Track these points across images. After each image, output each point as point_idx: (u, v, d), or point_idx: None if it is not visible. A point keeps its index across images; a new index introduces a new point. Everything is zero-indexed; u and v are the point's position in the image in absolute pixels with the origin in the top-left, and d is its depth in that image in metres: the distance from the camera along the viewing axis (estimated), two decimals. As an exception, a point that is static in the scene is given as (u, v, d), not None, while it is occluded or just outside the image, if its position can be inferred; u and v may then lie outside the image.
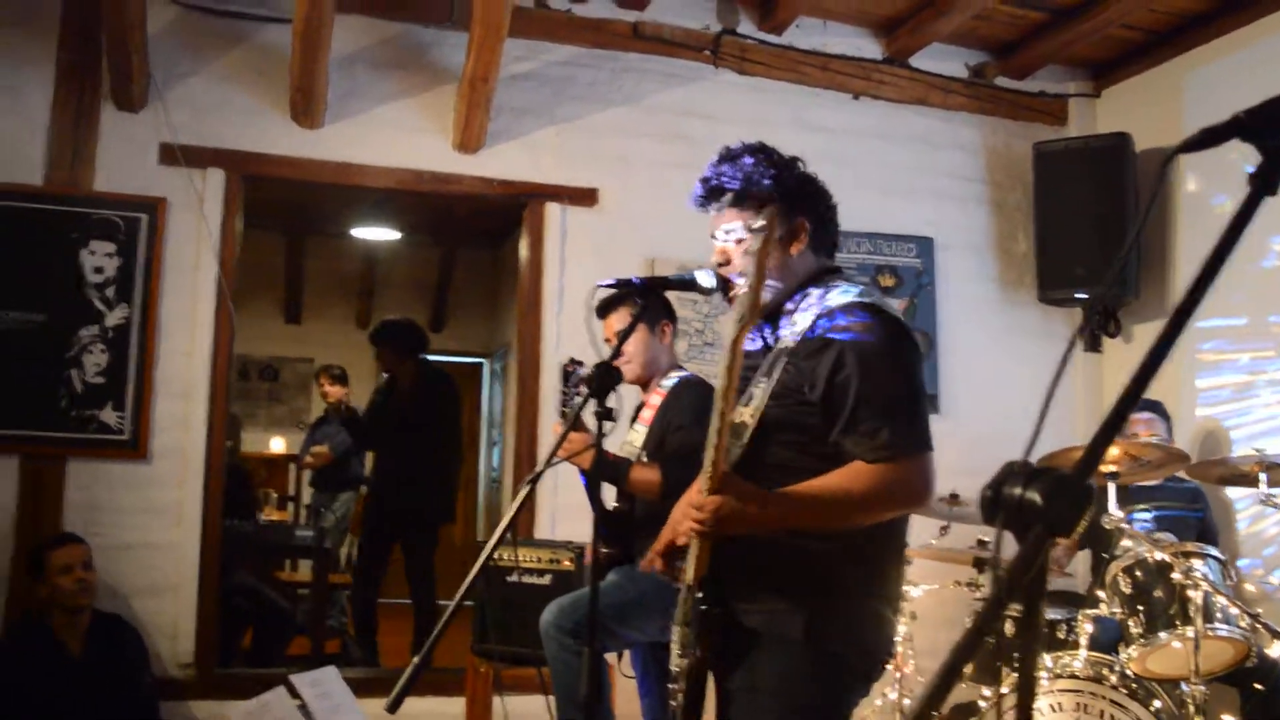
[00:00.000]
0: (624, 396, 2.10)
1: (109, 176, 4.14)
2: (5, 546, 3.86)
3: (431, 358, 9.09)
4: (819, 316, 1.94)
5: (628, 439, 3.30)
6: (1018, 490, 0.84)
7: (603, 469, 2.97)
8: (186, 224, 4.17)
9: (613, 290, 2.91)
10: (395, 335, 5.52)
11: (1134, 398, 0.88)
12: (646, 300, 2.79)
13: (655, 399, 3.25)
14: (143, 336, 4.00)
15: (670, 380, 3.26)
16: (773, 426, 1.93)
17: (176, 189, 4.17)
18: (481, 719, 3.56)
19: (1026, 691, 0.88)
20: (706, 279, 2.08)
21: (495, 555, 3.51)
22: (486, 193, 4.55)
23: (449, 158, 4.48)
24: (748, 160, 2.09)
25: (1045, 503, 0.82)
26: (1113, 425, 0.87)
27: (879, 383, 1.87)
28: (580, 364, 2.99)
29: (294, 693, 2.35)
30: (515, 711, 3.74)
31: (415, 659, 1.84)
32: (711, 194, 2.11)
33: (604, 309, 3.27)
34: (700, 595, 1.93)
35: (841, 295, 1.97)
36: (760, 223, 1.73)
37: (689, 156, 4.52)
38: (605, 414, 2.05)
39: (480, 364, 9.33)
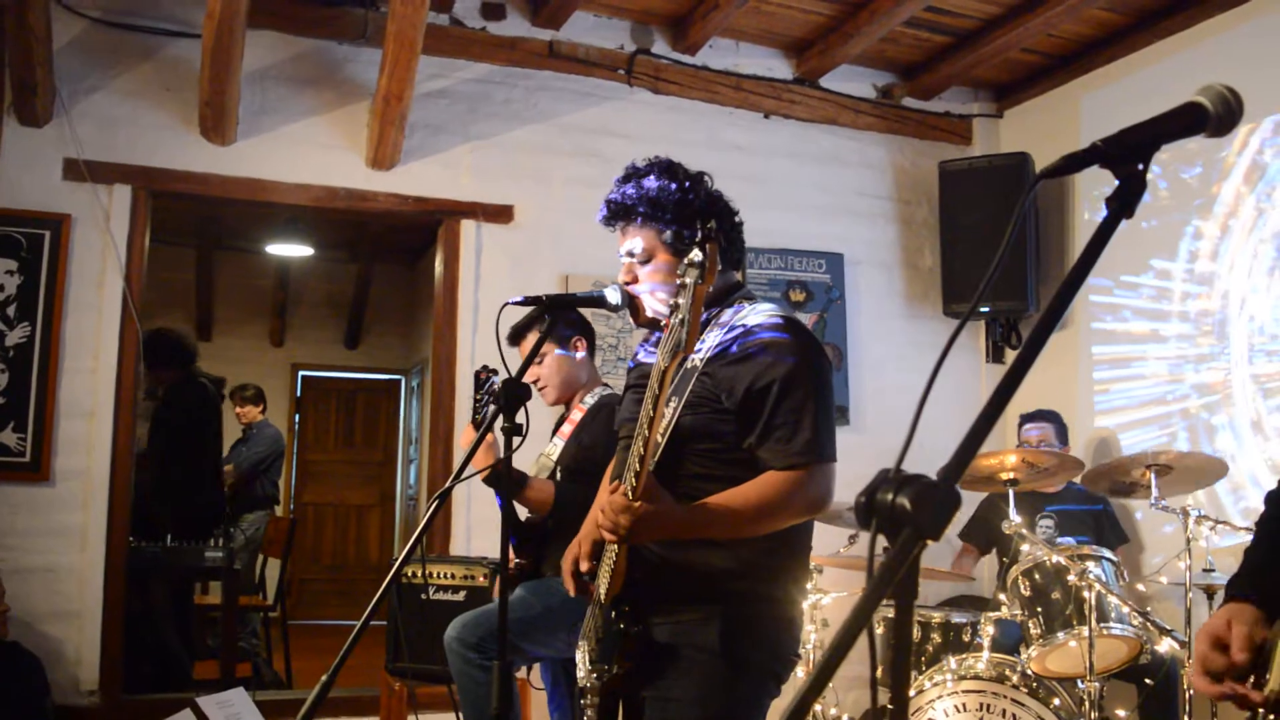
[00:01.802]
0: (534, 411, 2.13)
1: (11, 192, 4.04)
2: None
3: (346, 375, 9.05)
4: (739, 335, 2.00)
5: (546, 451, 3.32)
6: (889, 496, 0.88)
7: (501, 480, 2.98)
8: (92, 241, 4.09)
9: (524, 310, 2.93)
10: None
11: (996, 409, 0.93)
12: (555, 318, 2.80)
13: (576, 414, 3.27)
14: (45, 355, 3.92)
15: (592, 398, 3.28)
16: (687, 435, 1.98)
17: (82, 205, 4.10)
18: (395, 739, 3.54)
19: (899, 686, 0.93)
20: (614, 295, 2.12)
21: (410, 573, 3.53)
22: (401, 210, 4.54)
23: (363, 174, 4.47)
24: (652, 180, 2.13)
25: (914, 507, 0.87)
26: (976, 434, 0.92)
27: (795, 395, 1.95)
28: (494, 371, 3.01)
29: (200, 715, 2.32)
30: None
31: (323, 678, 1.84)
32: (616, 214, 2.15)
33: (514, 336, 3.28)
34: (614, 611, 1.96)
35: (757, 315, 2.03)
36: (698, 256, 1.77)
37: (604, 174, 4.51)
38: (514, 429, 2.07)
39: (397, 380, 9.26)
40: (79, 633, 3.90)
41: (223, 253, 8.34)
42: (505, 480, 2.43)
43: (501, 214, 4.62)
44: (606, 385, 3.37)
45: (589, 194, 4.53)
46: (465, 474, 2.15)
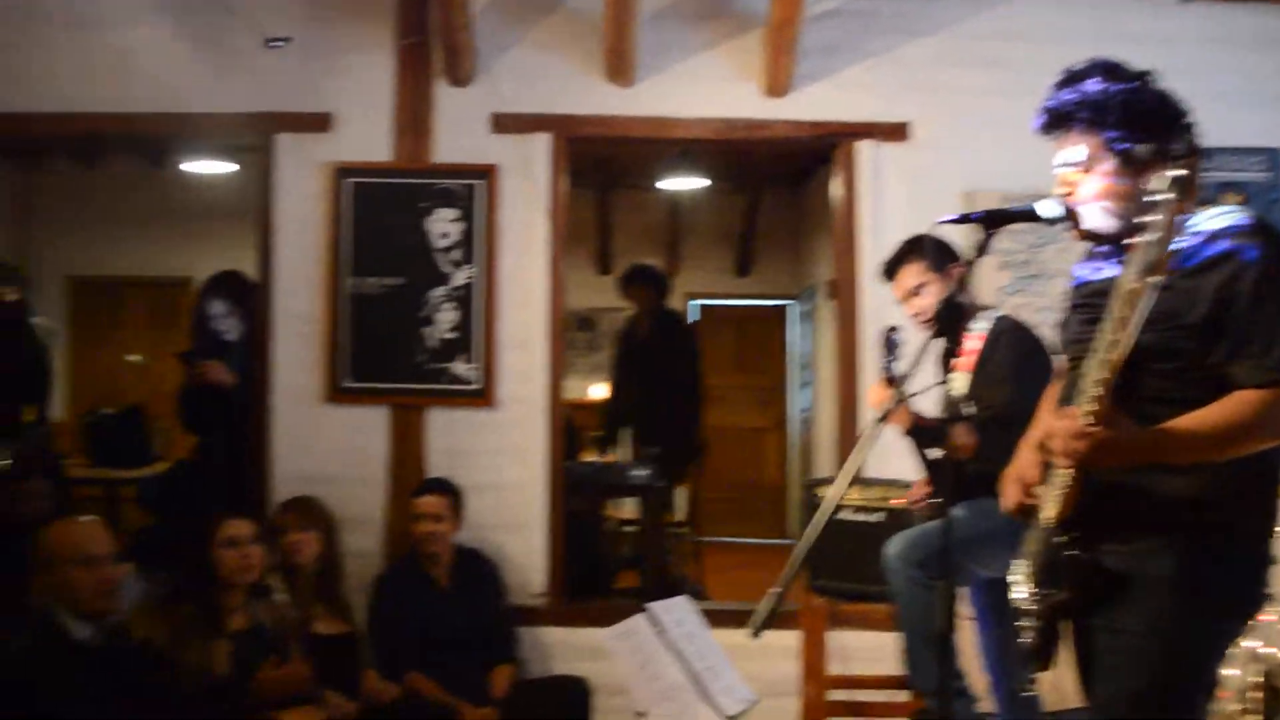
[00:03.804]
0: (923, 345, 2.10)
1: (446, 148, 4.48)
2: (382, 488, 4.34)
3: (737, 302, 9.31)
4: (1199, 242, 1.85)
5: (946, 386, 3.24)
6: None
7: (922, 434, 2.98)
8: (517, 187, 4.45)
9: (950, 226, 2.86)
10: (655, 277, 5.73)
11: None
12: (930, 248, 2.73)
13: (970, 343, 3.16)
14: (485, 295, 4.35)
15: (981, 323, 3.15)
16: (1145, 355, 1.85)
17: (506, 155, 4.46)
18: (816, 652, 3.65)
19: None
20: (1052, 208, 2.02)
21: (823, 495, 3.62)
22: (796, 136, 4.57)
23: (758, 103, 4.53)
24: (1093, 82, 2.00)
25: None
26: None
27: (1269, 304, 1.78)
28: (898, 330, 3.02)
29: (654, 620, 2.52)
30: (848, 646, 3.83)
31: (775, 589, 1.94)
32: (1054, 121, 2.04)
33: (889, 270, 3.22)
34: (1062, 534, 1.91)
35: (1218, 219, 1.87)
36: (1178, 173, 1.66)
37: (1004, 83, 4.36)
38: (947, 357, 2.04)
39: (786, 306, 9.38)
40: (525, 541, 4.34)
41: (618, 191, 8.78)
42: (916, 429, 2.39)
43: (897, 132, 4.52)
44: (990, 307, 3.23)
45: (989, 105, 4.36)
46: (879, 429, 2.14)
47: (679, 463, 5.69)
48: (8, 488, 4.04)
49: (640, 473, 4.81)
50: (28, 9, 4.36)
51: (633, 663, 2.50)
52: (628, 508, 6.19)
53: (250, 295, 4.48)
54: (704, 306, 9.35)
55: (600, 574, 5.25)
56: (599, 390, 8.54)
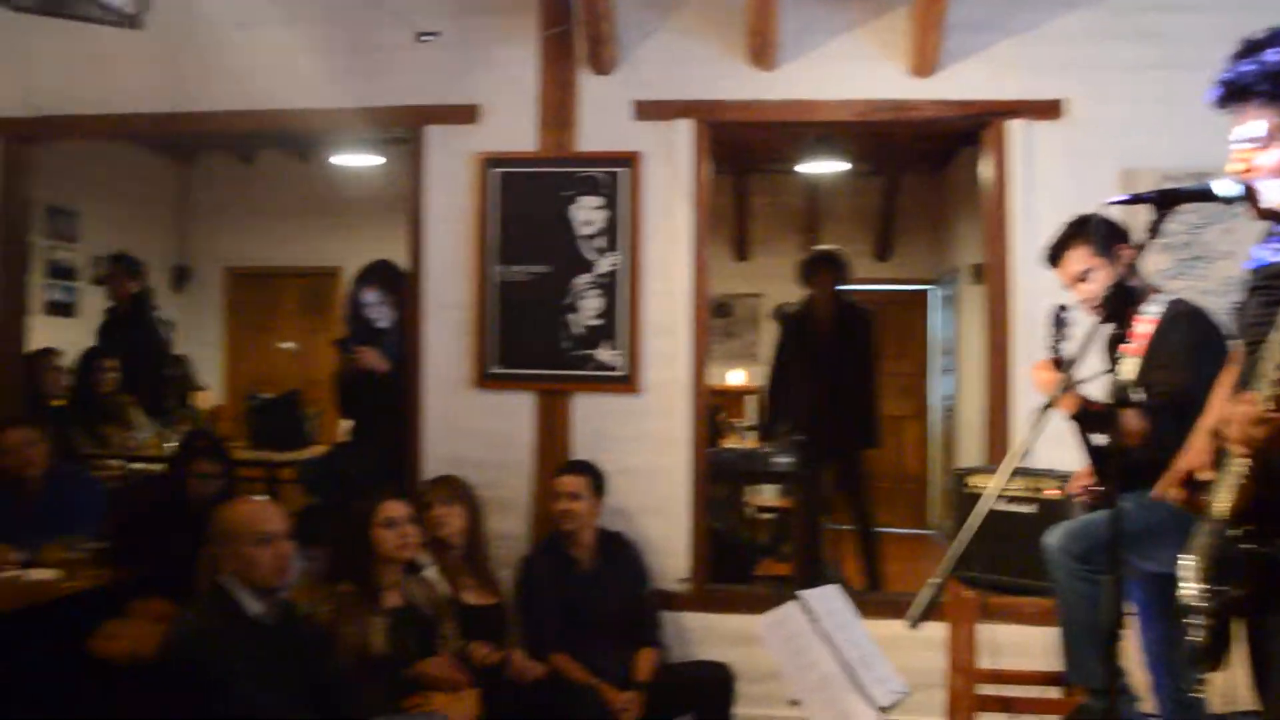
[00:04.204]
0: (1089, 331, 2.02)
1: (590, 136, 4.52)
2: (529, 470, 4.43)
3: (878, 287, 9.18)
4: None
5: (1116, 370, 3.12)
6: None
7: (1089, 419, 2.88)
8: (659, 174, 4.46)
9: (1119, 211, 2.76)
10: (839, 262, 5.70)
11: None
12: (1098, 230, 2.61)
13: (1141, 327, 3.04)
14: (630, 281, 4.38)
15: (1154, 307, 3.01)
16: None
17: (649, 142, 4.48)
18: (964, 645, 3.57)
19: None
20: (1229, 186, 1.93)
21: (973, 484, 3.54)
22: (945, 116, 4.46)
23: (904, 83, 4.43)
24: (1272, 52, 1.90)
25: None
26: None
27: None
28: (1068, 308, 2.92)
29: (806, 608, 2.51)
30: (997, 639, 3.74)
31: (933, 579, 1.91)
32: (1232, 94, 1.94)
33: (1054, 255, 3.10)
34: (1237, 527, 1.83)
35: None
36: None
37: (1163, 56, 4.19)
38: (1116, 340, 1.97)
39: (926, 291, 9.20)
40: (668, 526, 4.37)
41: (755, 176, 8.74)
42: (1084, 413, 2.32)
43: (1050, 110, 4.36)
44: (1160, 290, 3.09)
45: (1147, 80, 4.19)
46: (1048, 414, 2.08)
47: (851, 456, 5.63)
48: (178, 468, 4.26)
49: (784, 459, 4.78)
50: (186, 12, 4.56)
51: (786, 651, 2.49)
52: (768, 494, 6.19)
53: (401, 284, 4.62)
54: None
55: (741, 561, 5.26)
56: (736, 376, 8.55)
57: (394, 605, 3.41)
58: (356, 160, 8.07)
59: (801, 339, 5.76)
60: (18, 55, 4.94)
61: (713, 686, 3.90)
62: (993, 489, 2.00)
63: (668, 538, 4.38)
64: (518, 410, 4.46)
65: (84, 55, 4.80)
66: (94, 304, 8.34)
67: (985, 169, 4.50)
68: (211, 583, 2.94)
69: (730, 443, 6.13)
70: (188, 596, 3.73)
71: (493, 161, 4.49)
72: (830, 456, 5.53)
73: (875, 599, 4.35)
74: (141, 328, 6.20)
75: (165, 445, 6.03)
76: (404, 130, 4.65)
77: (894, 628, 3.42)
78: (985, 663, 3.63)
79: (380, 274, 4.67)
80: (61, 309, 8.05)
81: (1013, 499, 3.33)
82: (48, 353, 6.24)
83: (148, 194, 9.27)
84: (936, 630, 3.70)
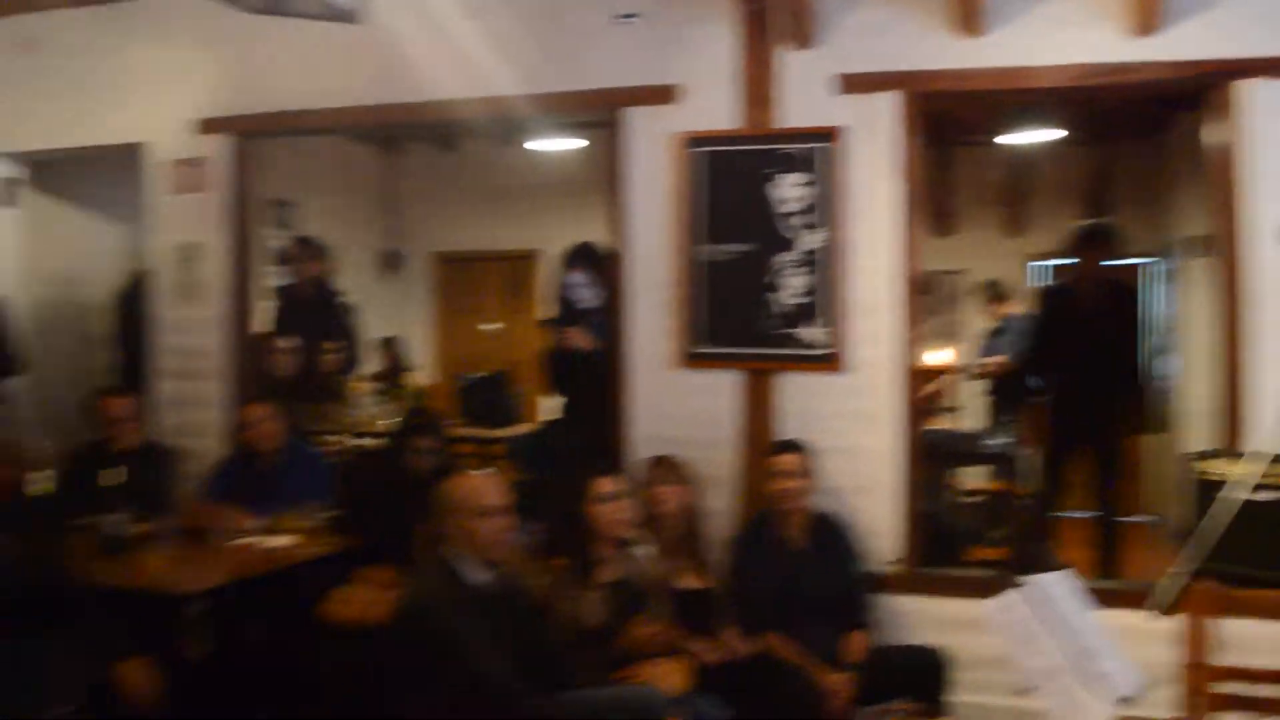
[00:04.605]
0: None
1: (791, 112, 4.46)
2: (734, 450, 4.43)
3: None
4: None
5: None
6: None
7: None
8: (863, 148, 4.37)
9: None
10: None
11: None
12: None
13: None
14: (835, 259, 4.31)
15: None
16: None
17: (851, 116, 4.39)
18: (1201, 639, 3.36)
19: None
20: None
21: (1206, 470, 3.32)
22: (1168, 77, 4.18)
23: (1123, 45, 4.18)
24: None
25: None
26: None
27: None
28: None
29: (1035, 594, 2.42)
30: (1241, 635, 3.51)
31: (1177, 569, 1.80)
32: None
33: None
34: None
35: None
36: None
37: None
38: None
39: (1142, 265, 8.70)
40: (877, 507, 4.29)
41: (957, 149, 8.45)
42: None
43: (1283, 68, 4.05)
44: None
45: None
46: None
47: (1112, 440, 5.33)
48: (398, 444, 4.47)
49: (997, 441, 4.62)
50: (392, 5, 4.73)
51: (1013, 637, 2.41)
52: (977, 477, 5.99)
53: (606, 264, 4.69)
54: (1053, 268, 8.84)
55: (949, 545, 5.11)
56: (938, 355, 8.31)
57: (608, 580, 3.47)
58: (555, 144, 8.25)
59: (1064, 317, 5.42)
60: (241, 56, 5.27)
61: (926, 671, 3.81)
62: (1245, 475, 1.86)
63: (876, 519, 4.30)
64: (722, 389, 4.47)
65: (299, 52, 5.07)
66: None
67: (1211, 133, 4.22)
68: (436, 553, 3.06)
69: (937, 424, 5.96)
70: (409, 565, 3.92)
71: (693, 141, 4.49)
72: (1088, 439, 5.28)
73: (1105, 588, 4.15)
74: (323, 310, 6.47)
75: (383, 423, 6.34)
76: (604, 113, 4.71)
77: (1125, 617, 3.28)
78: (1227, 659, 3.41)
79: (585, 255, 4.76)
80: (284, 294, 8.53)
81: (1260, 486, 3.10)
82: (274, 335, 6.63)
83: (358, 184, 9.73)
84: (1168, 622, 3.51)
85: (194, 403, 5.39)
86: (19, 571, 3.06)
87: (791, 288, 4.36)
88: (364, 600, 3.83)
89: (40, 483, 4.36)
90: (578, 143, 8.07)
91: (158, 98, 5.45)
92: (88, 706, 2.99)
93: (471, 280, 10.09)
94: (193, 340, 5.42)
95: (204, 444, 5.23)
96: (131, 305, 5.83)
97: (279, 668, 4.09)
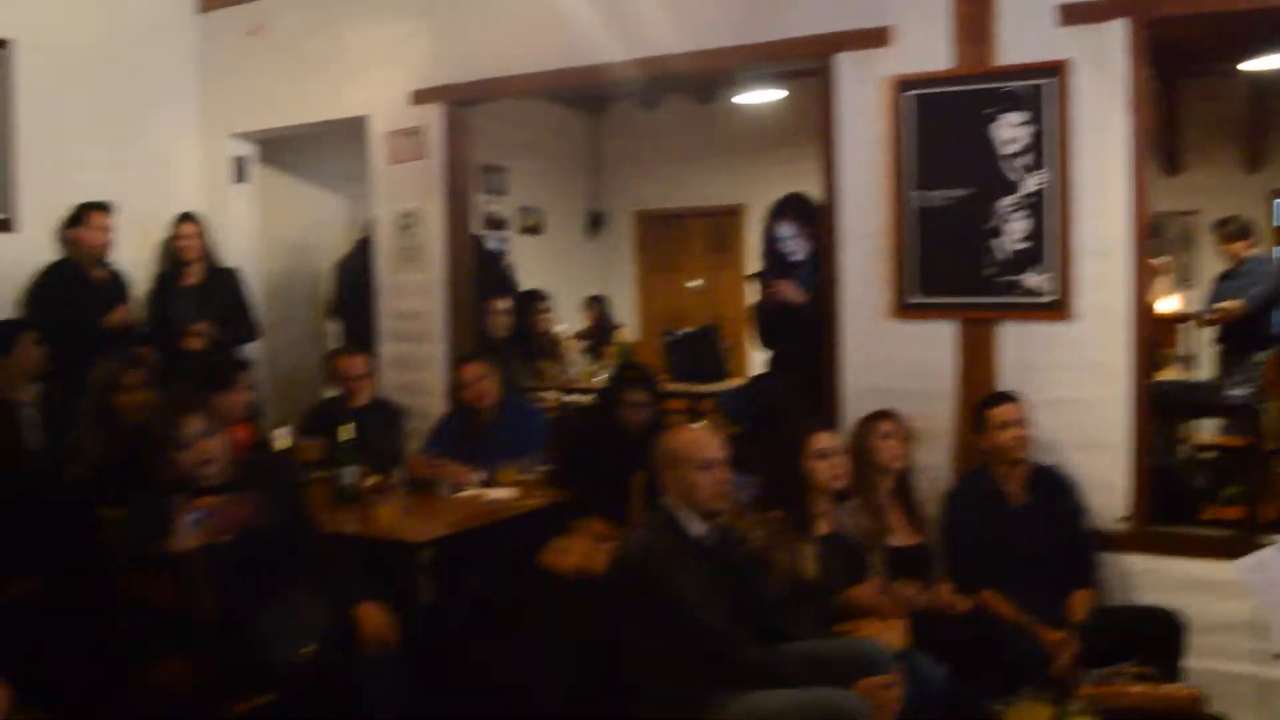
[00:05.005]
0: None
1: (1010, 48, 4.23)
2: (950, 403, 4.29)
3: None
4: None
5: None
6: None
7: None
8: (1089, 83, 4.11)
9: None
10: None
11: None
12: None
13: None
14: (1059, 201, 4.09)
15: None
16: None
17: (1077, 48, 4.12)
18: None
19: None
20: None
21: None
22: None
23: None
24: None
25: None
26: None
27: None
28: None
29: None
30: None
31: None
32: None
33: None
34: None
35: None
36: None
37: None
38: None
39: None
40: (1104, 462, 4.06)
41: (1188, 80, 7.88)
42: None
43: None
44: None
45: None
46: None
47: None
48: (610, 398, 4.55)
49: (1236, 391, 4.30)
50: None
51: (1268, 600, 2.24)
52: (1211, 431, 5.61)
53: (815, 216, 4.61)
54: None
55: (1181, 502, 4.81)
56: (1168, 302, 7.82)
57: (824, 534, 3.45)
58: (756, 97, 8.17)
59: None
60: (450, 27, 5.43)
61: (1157, 634, 3.61)
62: None
63: (1103, 474, 4.07)
64: (938, 339, 4.32)
65: (505, 19, 5.18)
66: (523, 250, 9.08)
67: None
68: (656, 505, 3.10)
69: (1168, 374, 5.59)
70: (623, 518, 3.99)
71: (906, 84, 4.34)
72: None
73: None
74: (493, 268, 6.64)
75: (595, 379, 6.47)
76: (812, 60, 4.60)
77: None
78: None
79: (794, 207, 4.69)
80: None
81: None
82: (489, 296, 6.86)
83: (564, 147, 9.93)
84: None
85: (415, 363, 5.65)
86: (276, 522, 3.28)
87: (1013, 232, 4.16)
88: (580, 551, 3.93)
89: (281, 439, 4.69)
90: (780, 94, 7.97)
91: (376, 72, 5.69)
92: (329, 648, 3.17)
93: (674, 237, 10.16)
94: (413, 303, 5.67)
95: (425, 402, 5.48)
96: (356, 272, 6.13)
97: (499, 615, 4.26)
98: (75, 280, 5.36)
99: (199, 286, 5.72)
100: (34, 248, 5.40)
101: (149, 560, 3.14)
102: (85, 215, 5.40)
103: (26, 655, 2.91)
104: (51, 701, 2.79)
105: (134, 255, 5.81)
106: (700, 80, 8.18)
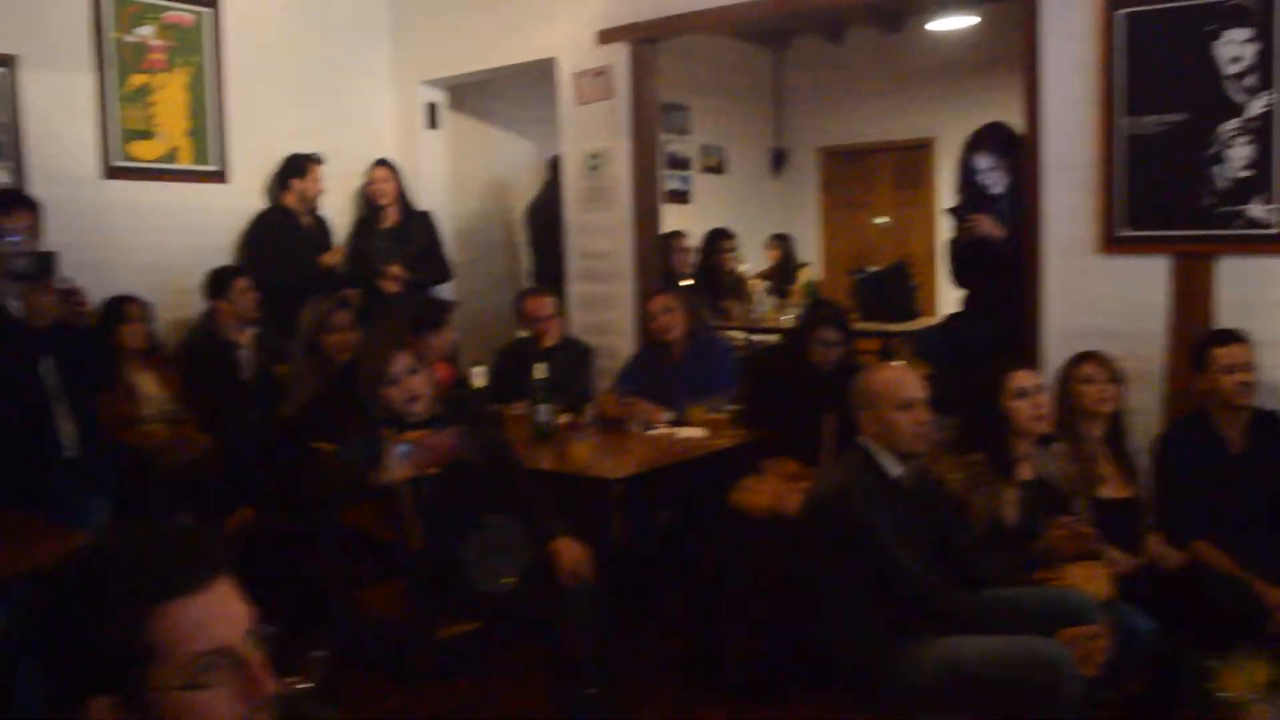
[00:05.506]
0: None
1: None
2: (1161, 342, 4.06)
3: None
4: None
5: None
6: None
7: None
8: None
9: None
10: None
11: None
12: None
13: None
14: (1289, 123, 3.78)
15: None
16: None
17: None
18: None
19: None
20: None
21: None
22: None
23: None
24: None
25: None
26: None
27: None
28: None
29: None
30: None
31: None
32: None
33: None
34: None
35: None
36: None
37: None
38: None
39: None
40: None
41: None
42: None
43: None
44: None
45: None
46: None
47: None
48: (801, 336, 4.49)
49: None
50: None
51: None
52: None
53: (1015, 147, 4.41)
54: None
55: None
56: None
57: (1026, 478, 3.33)
58: (948, 24, 7.84)
59: None
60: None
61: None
62: None
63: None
64: (1149, 275, 4.08)
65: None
66: (705, 189, 9.06)
67: None
68: (853, 444, 3.06)
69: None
70: (814, 458, 3.96)
71: (1117, 2, 4.07)
72: None
73: None
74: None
75: (781, 318, 6.42)
76: (1014, -18, 4.38)
77: None
78: None
79: (992, 138, 4.49)
80: (679, 196, 8.83)
81: None
82: (676, 235, 6.88)
83: (745, 84, 9.79)
84: None
85: (603, 302, 5.73)
86: (479, 456, 3.41)
87: (1235, 159, 3.87)
88: (771, 491, 3.93)
89: (479, 377, 4.84)
90: (972, 20, 7.63)
91: (562, 13, 5.74)
92: (529, 579, 3.27)
93: (860, 173, 9.92)
94: (601, 243, 5.74)
95: (612, 341, 5.56)
96: (546, 213, 6.23)
97: (689, 552, 4.31)
98: (288, 227, 5.67)
99: (394, 229, 5.95)
100: (244, 196, 5.74)
101: (361, 491, 3.30)
102: (306, 167, 5.70)
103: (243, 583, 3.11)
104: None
105: (334, 202, 6.08)
106: (889, 8, 7.92)
